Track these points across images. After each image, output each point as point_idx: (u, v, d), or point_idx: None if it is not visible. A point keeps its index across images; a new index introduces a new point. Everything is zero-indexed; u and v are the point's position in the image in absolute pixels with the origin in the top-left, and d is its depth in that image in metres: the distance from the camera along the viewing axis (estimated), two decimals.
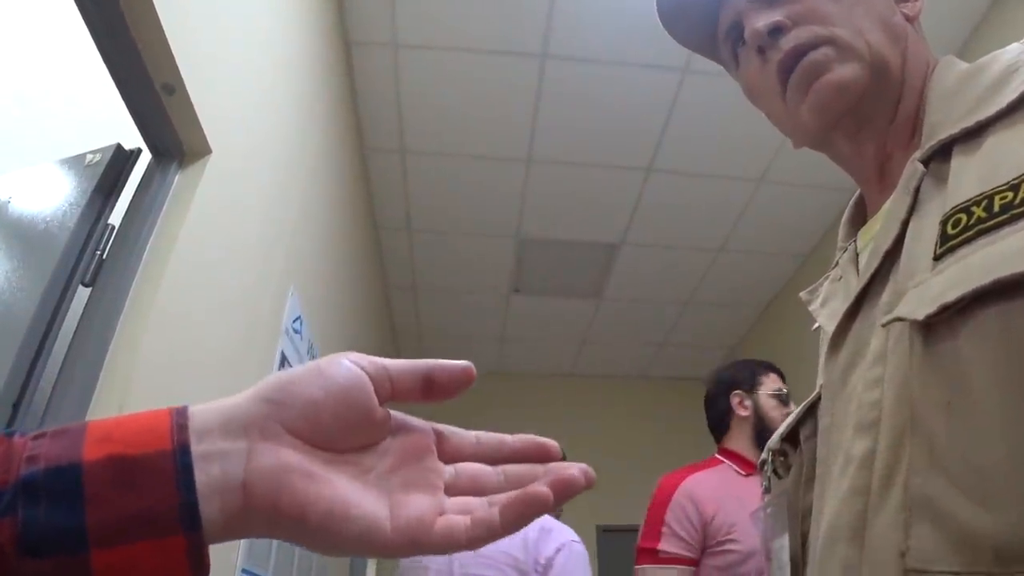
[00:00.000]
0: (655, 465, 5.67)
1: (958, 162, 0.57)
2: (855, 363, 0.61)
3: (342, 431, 0.37)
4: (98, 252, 1.42)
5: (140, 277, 1.42)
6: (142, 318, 1.37)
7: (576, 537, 2.37)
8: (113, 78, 1.40)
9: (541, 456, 0.41)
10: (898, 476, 0.51)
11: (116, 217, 1.50)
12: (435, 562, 2.26)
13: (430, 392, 0.41)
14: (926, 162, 0.61)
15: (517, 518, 0.36)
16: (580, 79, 3.14)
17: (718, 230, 4.19)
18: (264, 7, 1.99)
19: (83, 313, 1.34)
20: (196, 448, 0.34)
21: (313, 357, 2.70)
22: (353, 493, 0.36)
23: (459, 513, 0.37)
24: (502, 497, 0.37)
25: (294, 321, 2.40)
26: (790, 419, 0.77)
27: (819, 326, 0.77)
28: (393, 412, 0.41)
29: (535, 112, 3.31)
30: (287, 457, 0.35)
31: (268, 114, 2.05)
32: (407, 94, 3.22)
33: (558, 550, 2.29)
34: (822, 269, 0.81)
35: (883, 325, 0.56)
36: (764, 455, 0.81)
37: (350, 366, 0.38)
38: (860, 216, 0.79)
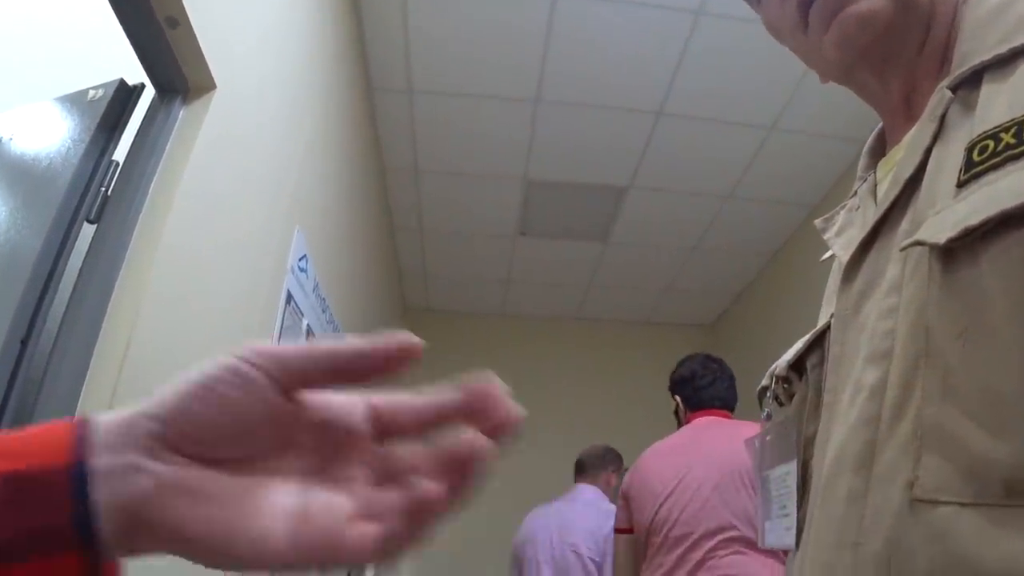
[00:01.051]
0: (658, 410, 5.74)
1: (988, 89, 0.55)
2: (869, 292, 0.60)
3: (237, 440, 0.34)
4: (103, 189, 1.42)
5: (145, 213, 1.41)
6: (148, 255, 1.37)
7: None
8: (115, 11, 1.38)
9: (482, 406, 0.36)
10: (910, 406, 0.50)
11: (120, 154, 1.49)
12: (539, 534, 2.92)
13: (354, 376, 0.35)
14: (954, 90, 0.59)
15: (419, 530, 0.34)
16: (591, 18, 3.06)
17: (727, 177, 4.14)
18: None
19: (88, 250, 1.35)
20: (93, 463, 0.32)
21: (319, 296, 2.71)
22: (244, 508, 0.33)
23: (374, 518, 0.34)
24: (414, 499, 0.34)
25: (300, 260, 2.40)
26: (797, 346, 0.76)
27: (830, 256, 0.75)
28: (314, 397, 0.36)
29: (544, 51, 3.24)
30: (171, 476, 0.33)
31: (274, 50, 2.02)
32: (415, 32, 3.15)
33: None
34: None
35: (901, 249, 0.55)
36: (766, 381, 0.81)
37: (239, 367, 0.34)
38: (881, 147, 0.77)
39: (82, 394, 1.19)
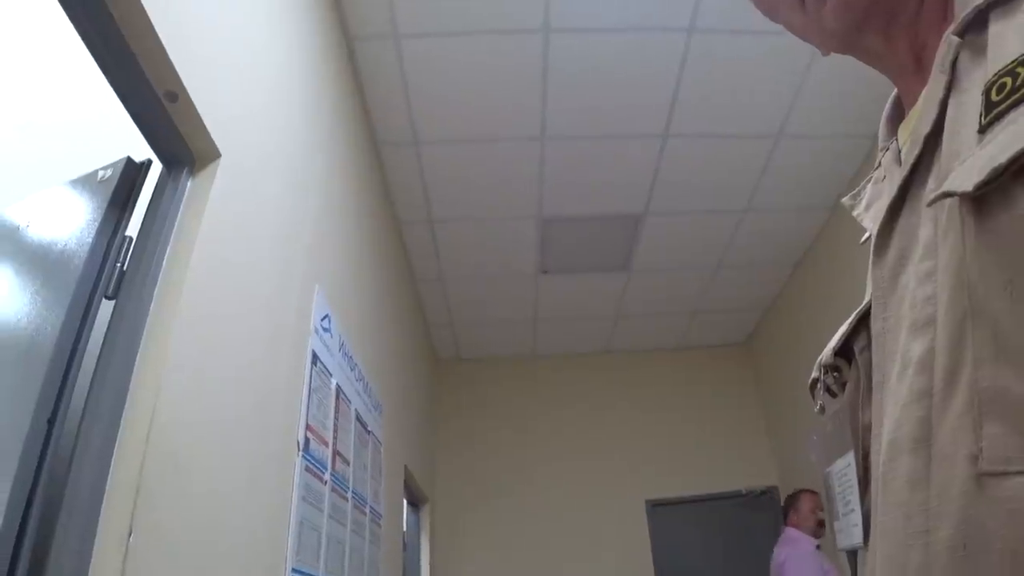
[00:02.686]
0: (700, 436, 5.68)
1: (996, 28, 0.52)
2: (905, 260, 0.56)
3: None
4: (118, 264, 1.44)
5: (161, 286, 1.42)
6: (167, 326, 1.38)
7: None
8: (115, 90, 1.41)
9: None
10: (962, 373, 0.46)
11: (133, 229, 1.51)
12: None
13: None
14: (961, 35, 0.56)
15: None
16: (585, 49, 3.10)
17: (742, 190, 4.13)
18: (261, 8, 1.98)
19: (108, 326, 1.36)
20: None
21: (346, 355, 2.72)
22: None
23: None
24: None
25: (322, 319, 2.41)
26: (841, 331, 0.72)
27: (868, 237, 0.73)
28: None
29: (544, 88, 3.28)
30: None
31: (276, 114, 2.05)
32: (413, 84, 3.21)
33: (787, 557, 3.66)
34: (852, 218, 0.77)
35: (929, 204, 0.52)
36: (815, 373, 0.76)
37: None
38: (899, 113, 0.73)
39: (111, 469, 1.18)
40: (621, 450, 5.61)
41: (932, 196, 0.50)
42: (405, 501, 4.27)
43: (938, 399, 0.48)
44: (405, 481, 4.03)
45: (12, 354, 1.36)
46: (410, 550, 4.58)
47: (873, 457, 0.60)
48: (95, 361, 1.30)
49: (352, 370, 2.81)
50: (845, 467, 0.68)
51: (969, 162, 0.48)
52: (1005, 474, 0.42)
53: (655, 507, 5.41)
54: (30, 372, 1.26)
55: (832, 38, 0.69)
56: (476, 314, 5.32)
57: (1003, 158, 0.44)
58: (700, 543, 5.34)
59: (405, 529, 4.34)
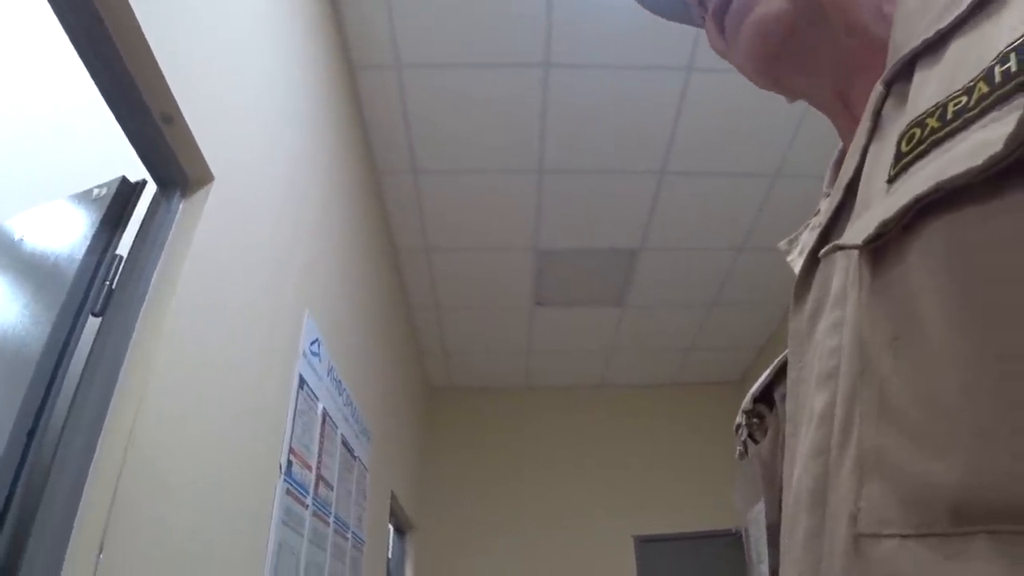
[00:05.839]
0: (690, 473, 5.65)
1: (920, 77, 0.51)
2: (820, 310, 0.55)
3: None
4: (107, 283, 1.45)
5: (148, 306, 1.44)
6: (152, 345, 1.39)
7: None
8: (112, 110, 1.44)
9: None
10: (853, 430, 0.45)
11: (124, 248, 1.53)
12: None
13: None
14: (890, 84, 0.55)
15: None
16: (584, 85, 3.15)
17: (738, 228, 4.16)
18: (263, 34, 2.02)
19: (94, 342, 1.37)
20: None
21: (335, 379, 2.72)
22: None
23: None
24: None
25: (312, 344, 2.42)
26: (763, 377, 0.71)
27: None
28: None
29: (543, 122, 3.32)
30: None
31: (272, 140, 2.08)
32: (414, 114, 3.25)
33: None
34: None
35: (820, 256, 0.51)
36: (738, 419, 0.75)
37: None
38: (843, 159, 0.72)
39: (87, 484, 1.19)
40: (612, 485, 5.58)
41: (824, 249, 0.49)
42: (391, 527, 4.25)
43: (834, 455, 0.47)
44: (391, 507, 4.01)
45: None
46: None
47: (783, 510, 0.58)
48: (78, 376, 1.32)
49: (340, 395, 2.81)
50: (758, 515, 0.68)
51: (869, 212, 0.46)
52: (878, 536, 0.41)
53: (644, 543, 5.36)
54: (13, 384, 1.27)
55: (754, 71, 0.68)
56: (470, 343, 5.33)
57: (890, 212, 0.43)
58: None
59: (390, 556, 4.31)
